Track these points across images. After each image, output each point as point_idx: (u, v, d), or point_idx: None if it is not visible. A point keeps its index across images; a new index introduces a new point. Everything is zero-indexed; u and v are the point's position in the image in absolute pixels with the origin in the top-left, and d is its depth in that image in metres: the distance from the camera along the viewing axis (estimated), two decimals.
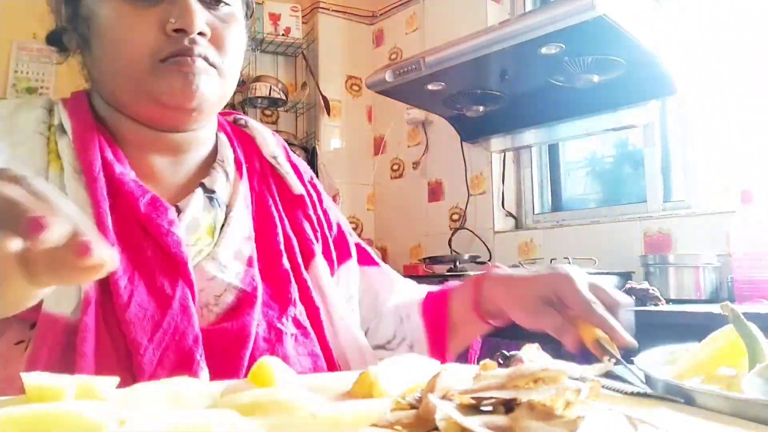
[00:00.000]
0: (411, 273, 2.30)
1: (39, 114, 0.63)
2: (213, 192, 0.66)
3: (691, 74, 1.81)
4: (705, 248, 1.65)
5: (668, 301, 1.50)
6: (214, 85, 0.62)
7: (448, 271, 2.05)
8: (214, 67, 0.62)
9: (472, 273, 1.87)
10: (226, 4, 0.65)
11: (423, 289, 0.80)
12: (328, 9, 2.86)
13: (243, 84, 2.65)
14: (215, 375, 0.55)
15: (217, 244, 0.63)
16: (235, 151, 0.72)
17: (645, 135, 2.00)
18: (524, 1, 2.42)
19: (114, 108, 0.65)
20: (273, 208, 0.70)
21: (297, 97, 2.81)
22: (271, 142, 0.76)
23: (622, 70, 1.76)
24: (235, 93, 2.83)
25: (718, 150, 1.86)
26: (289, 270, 0.66)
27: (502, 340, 1.62)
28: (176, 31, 0.59)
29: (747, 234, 1.43)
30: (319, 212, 0.75)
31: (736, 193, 1.51)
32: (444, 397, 0.32)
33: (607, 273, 1.69)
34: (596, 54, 1.71)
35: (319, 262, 0.70)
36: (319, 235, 0.73)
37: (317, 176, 2.74)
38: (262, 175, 0.72)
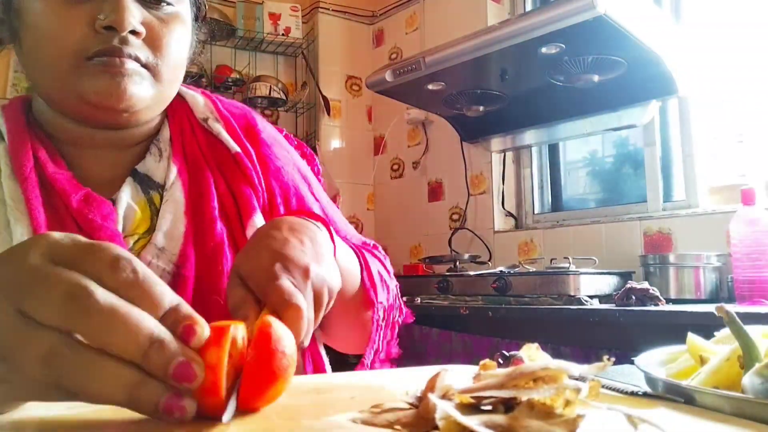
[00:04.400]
0: (411, 273, 2.30)
1: None
2: (144, 176, 0.65)
3: (691, 74, 1.81)
4: (705, 248, 1.65)
5: (668, 301, 1.50)
6: (146, 87, 0.60)
7: (448, 271, 2.05)
8: (147, 69, 0.60)
9: (472, 273, 1.87)
10: (168, 3, 0.62)
11: None
12: (328, 9, 2.86)
13: (243, 84, 2.66)
14: None
15: (156, 227, 0.62)
16: (170, 126, 0.70)
17: (645, 135, 2.00)
18: (524, 1, 2.42)
19: (48, 104, 0.64)
20: (209, 174, 0.67)
21: (297, 97, 2.81)
22: (200, 104, 0.73)
23: (622, 70, 1.76)
24: (234, 93, 2.81)
25: (718, 150, 1.86)
26: (224, 238, 0.64)
27: (502, 340, 1.62)
28: (106, 28, 0.56)
29: (747, 234, 1.43)
30: (259, 170, 0.70)
31: (736, 193, 1.51)
32: (444, 397, 0.32)
33: (607, 273, 1.70)
34: (596, 54, 1.71)
35: (258, 219, 0.66)
36: (260, 192, 0.69)
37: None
38: (195, 141, 0.70)
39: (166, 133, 0.69)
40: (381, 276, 0.69)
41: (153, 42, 0.60)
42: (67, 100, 0.60)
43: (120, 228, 0.60)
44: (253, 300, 0.43)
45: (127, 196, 0.63)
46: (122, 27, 0.56)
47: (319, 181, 0.82)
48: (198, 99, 0.73)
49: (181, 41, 0.63)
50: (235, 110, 0.75)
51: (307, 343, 0.45)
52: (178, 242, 0.62)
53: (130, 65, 0.58)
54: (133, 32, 0.58)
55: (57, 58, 0.58)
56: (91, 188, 0.61)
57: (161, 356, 0.30)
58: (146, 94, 0.60)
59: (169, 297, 0.33)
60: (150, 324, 0.31)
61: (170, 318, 0.32)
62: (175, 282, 0.60)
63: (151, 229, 0.62)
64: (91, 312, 0.30)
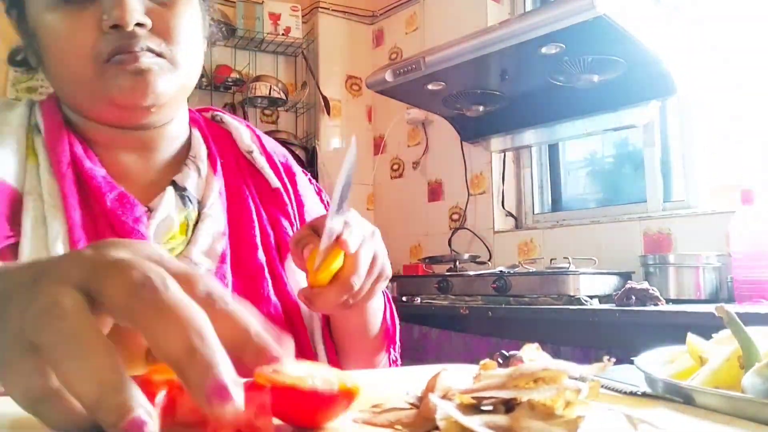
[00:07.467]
0: (411, 273, 2.30)
1: (22, 111, 0.65)
2: (184, 189, 0.66)
3: (691, 74, 1.81)
4: (705, 248, 1.65)
5: (668, 301, 1.50)
6: (166, 77, 0.60)
7: (447, 271, 2.05)
8: (163, 58, 0.59)
9: (472, 273, 1.87)
10: None
11: None
12: (328, 9, 2.86)
13: (243, 84, 2.66)
14: None
15: (190, 242, 0.63)
16: (209, 147, 0.71)
17: (645, 135, 2.00)
18: (524, 1, 2.42)
19: (78, 113, 0.65)
20: (250, 203, 0.69)
21: (297, 97, 2.81)
22: (246, 137, 0.75)
23: (622, 70, 1.76)
24: (234, 93, 2.81)
25: (718, 150, 1.86)
26: (264, 265, 0.66)
27: (502, 340, 1.62)
28: (113, 27, 0.57)
29: (747, 234, 1.43)
30: (294, 207, 0.74)
31: (736, 193, 1.51)
32: (444, 397, 0.32)
33: (607, 273, 1.70)
34: (596, 54, 1.71)
35: None
36: (295, 228, 0.72)
37: (317, 176, 2.72)
38: (238, 170, 0.72)
39: (203, 152, 0.70)
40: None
41: (161, 29, 0.59)
42: (96, 108, 0.62)
43: (151, 233, 0.61)
44: (315, 237, 0.51)
45: (170, 205, 0.63)
46: (126, 23, 0.56)
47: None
48: (243, 131, 0.75)
49: (190, 23, 0.63)
50: (277, 149, 0.78)
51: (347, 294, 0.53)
52: (215, 261, 0.63)
53: (146, 57, 0.58)
54: (140, 25, 0.57)
55: (78, 67, 0.59)
56: (124, 189, 0.62)
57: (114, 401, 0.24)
58: (169, 83, 0.60)
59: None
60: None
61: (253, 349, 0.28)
62: None
63: (185, 242, 0.63)
64: (156, 304, 0.26)
